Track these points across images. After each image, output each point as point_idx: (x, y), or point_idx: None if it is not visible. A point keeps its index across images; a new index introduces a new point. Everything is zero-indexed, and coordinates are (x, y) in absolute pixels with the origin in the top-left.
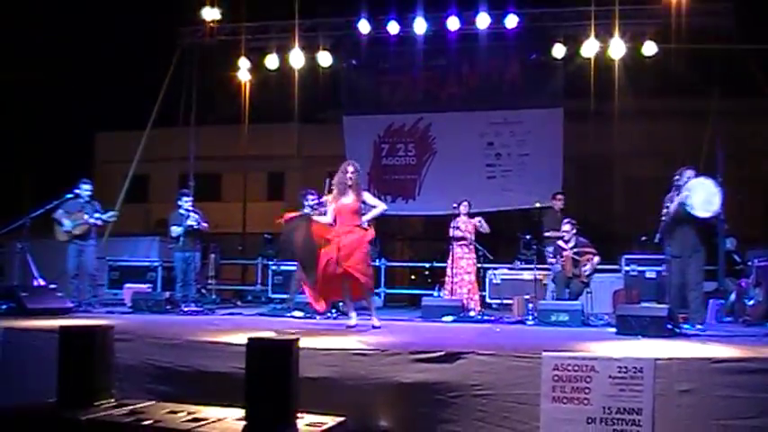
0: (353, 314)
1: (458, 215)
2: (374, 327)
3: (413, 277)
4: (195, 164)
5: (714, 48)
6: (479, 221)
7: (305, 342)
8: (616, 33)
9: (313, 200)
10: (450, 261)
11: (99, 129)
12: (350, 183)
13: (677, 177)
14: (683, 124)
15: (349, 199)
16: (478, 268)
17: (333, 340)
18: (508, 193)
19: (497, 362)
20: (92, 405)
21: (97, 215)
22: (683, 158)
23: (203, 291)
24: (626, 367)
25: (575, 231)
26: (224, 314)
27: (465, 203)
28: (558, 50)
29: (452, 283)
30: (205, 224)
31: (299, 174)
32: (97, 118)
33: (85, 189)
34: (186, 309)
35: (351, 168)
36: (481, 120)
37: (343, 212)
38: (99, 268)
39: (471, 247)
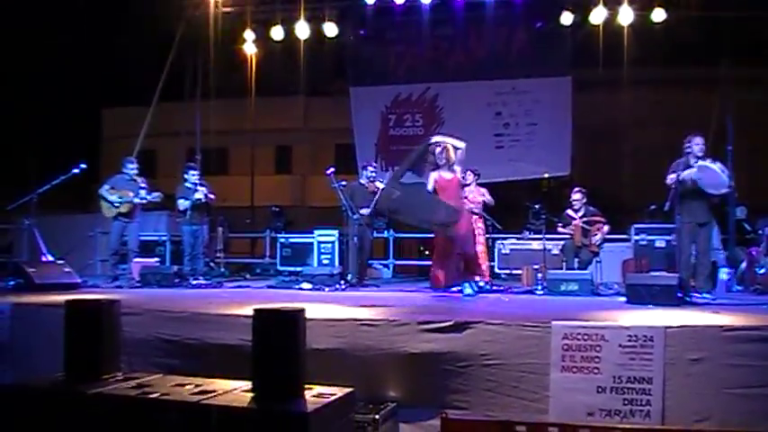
0: None
1: (467, 184)
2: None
3: (422, 248)
4: (202, 138)
5: (724, 15)
6: (484, 193)
7: (312, 313)
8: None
9: (372, 171)
10: None
11: (105, 104)
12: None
13: (687, 144)
14: (692, 92)
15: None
16: (487, 238)
17: (340, 311)
18: (517, 162)
19: (506, 331)
20: (99, 379)
21: (143, 193)
22: (692, 127)
23: (211, 264)
24: (636, 336)
25: (584, 200)
26: (232, 287)
27: (469, 173)
28: (566, 18)
29: None
30: (212, 196)
31: (306, 146)
32: (103, 93)
33: (131, 168)
34: (194, 282)
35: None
36: (489, 89)
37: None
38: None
39: (479, 216)
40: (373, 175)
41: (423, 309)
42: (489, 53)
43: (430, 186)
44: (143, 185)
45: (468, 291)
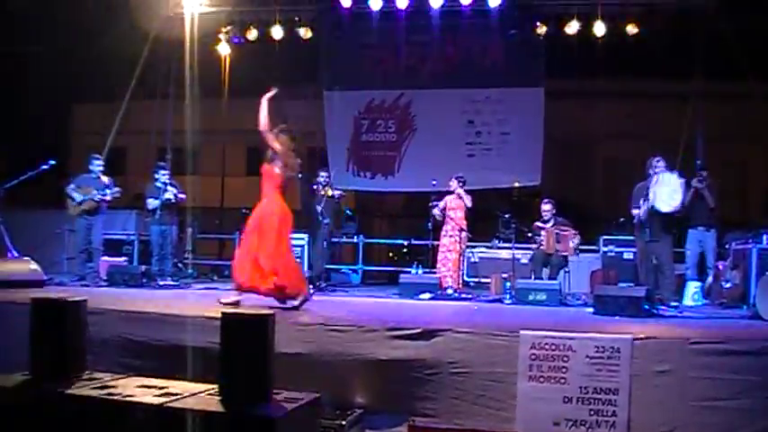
0: None
1: (450, 192)
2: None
3: (390, 254)
4: (173, 137)
5: (696, 29)
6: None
7: (281, 317)
8: (599, 12)
9: (324, 177)
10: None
11: (76, 100)
12: None
13: (649, 165)
14: (664, 106)
15: None
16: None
17: (309, 316)
18: (488, 171)
19: (474, 340)
20: (63, 379)
21: (103, 192)
22: (663, 141)
23: (180, 265)
24: (603, 347)
25: (554, 211)
26: (200, 288)
27: (454, 180)
28: (541, 29)
29: (438, 261)
30: (182, 196)
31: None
32: (73, 89)
33: (96, 164)
34: (162, 283)
35: None
36: (462, 97)
37: None
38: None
39: (456, 225)
40: (325, 180)
41: (391, 315)
42: (464, 61)
43: None
44: (107, 183)
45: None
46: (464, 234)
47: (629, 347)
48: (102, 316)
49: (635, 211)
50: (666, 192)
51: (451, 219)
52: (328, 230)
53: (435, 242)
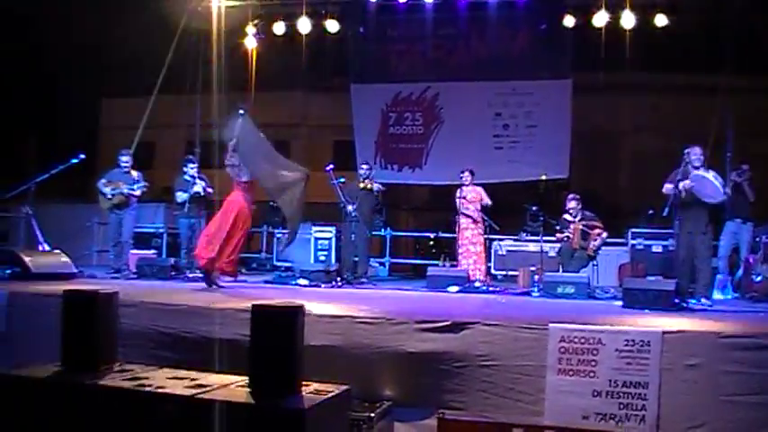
0: None
1: (465, 185)
2: None
3: (417, 247)
4: (201, 131)
5: (726, 22)
6: (481, 193)
7: (309, 310)
8: (628, 3)
9: (366, 170)
10: (459, 233)
11: (105, 94)
12: None
13: (685, 154)
14: (692, 99)
15: None
16: (485, 239)
17: (338, 308)
18: (515, 164)
19: (503, 333)
20: (95, 370)
21: (131, 187)
22: (691, 134)
23: None
24: (633, 340)
25: (580, 207)
26: (228, 281)
27: (467, 173)
28: (569, 20)
29: (459, 253)
30: (210, 190)
31: (304, 142)
32: (103, 84)
33: (123, 160)
34: (191, 275)
35: None
36: (489, 90)
37: None
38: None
39: (476, 217)
40: (366, 172)
41: (419, 308)
42: (491, 54)
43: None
44: (136, 178)
45: None
46: (481, 224)
47: (659, 341)
48: (134, 308)
49: (668, 186)
50: (707, 184)
51: (469, 211)
52: (364, 223)
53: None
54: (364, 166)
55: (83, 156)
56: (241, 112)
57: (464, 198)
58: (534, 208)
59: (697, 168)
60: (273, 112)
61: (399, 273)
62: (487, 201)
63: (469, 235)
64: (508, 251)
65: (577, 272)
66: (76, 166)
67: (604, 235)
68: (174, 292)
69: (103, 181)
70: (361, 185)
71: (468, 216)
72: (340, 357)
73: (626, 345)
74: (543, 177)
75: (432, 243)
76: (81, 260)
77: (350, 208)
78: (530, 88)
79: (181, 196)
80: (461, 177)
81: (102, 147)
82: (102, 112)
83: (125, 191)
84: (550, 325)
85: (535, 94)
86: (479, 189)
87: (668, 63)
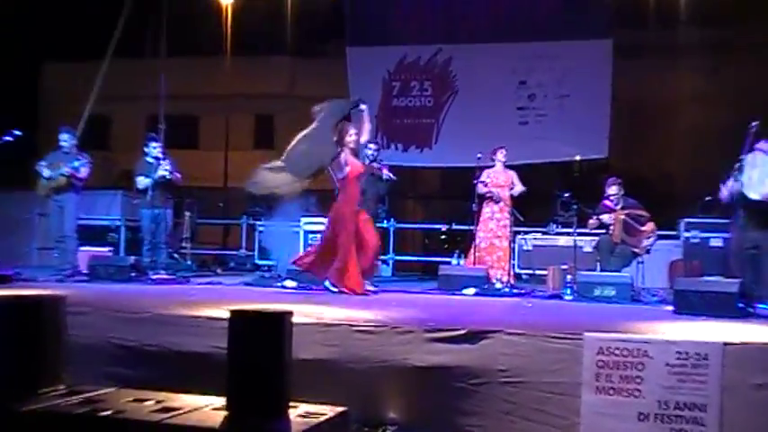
0: None
1: (491, 165)
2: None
3: (427, 242)
4: (167, 103)
5: None
6: (513, 179)
7: (299, 316)
8: None
9: (374, 151)
10: (476, 223)
11: (47, 57)
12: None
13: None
14: (760, 61)
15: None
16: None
17: (332, 314)
18: (543, 142)
19: (529, 343)
20: (36, 393)
21: (72, 165)
22: (759, 104)
23: (176, 255)
24: (687, 353)
25: (622, 193)
26: (201, 283)
27: (502, 151)
28: None
29: (477, 248)
30: (178, 175)
31: (291, 116)
32: (45, 44)
33: (63, 139)
34: (155, 276)
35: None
36: (512, 53)
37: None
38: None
39: (505, 205)
40: (374, 154)
41: (429, 314)
42: (514, 10)
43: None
44: (79, 156)
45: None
46: (508, 215)
47: (719, 354)
48: (85, 317)
49: (723, 189)
50: (757, 175)
51: (498, 197)
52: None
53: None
54: (372, 146)
55: (18, 133)
56: (362, 107)
57: (492, 182)
58: (566, 195)
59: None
60: (254, 82)
61: (405, 272)
62: (521, 187)
63: (494, 227)
64: (535, 246)
65: (619, 271)
66: (12, 146)
67: (653, 227)
68: (134, 296)
69: (44, 163)
70: (368, 170)
71: (495, 203)
72: (335, 373)
73: (678, 358)
74: (577, 158)
75: (444, 237)
76: (19, 259)
77: None
78: (561, 50)
79: (142, 182)
80: (493, 156)
81: (43, 121)
82: (44, 78)
83: (65, 171)
84: (586, 334)
85: (567, 58)
86: (512, 173)
87: (730, 19)
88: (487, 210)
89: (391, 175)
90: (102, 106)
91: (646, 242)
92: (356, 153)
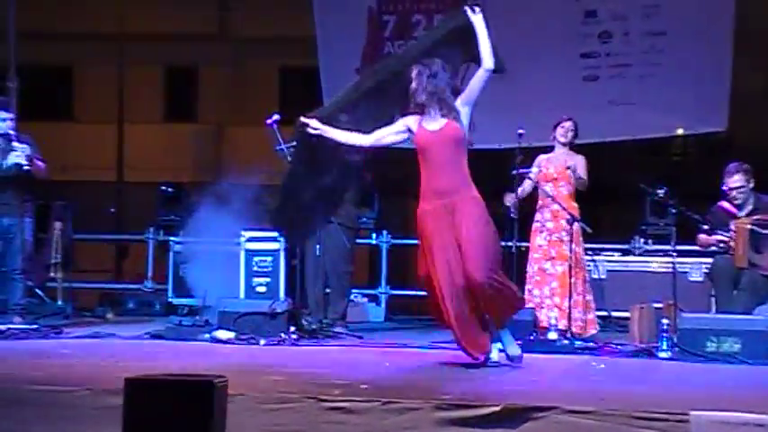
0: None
1: (543, 147)
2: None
3: None
4: (20, 46)
5: None
6: (577, 168)
7: (237, 385)
8: None
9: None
10: (514, 239)
11: None
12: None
13: None
14: None
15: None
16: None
17: (292, 382)
18: (623, 108)
19: (602, 427)
20: None
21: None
22: None
23: (39, 292)
24: None
25: (750, 185)
26: (80, 335)
27: (565, 125)
28: None
29: (528, 278)
30: (41, 164)
31: (224, 71)
32: None
33: None
34: (4, 326)
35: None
36: None
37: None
38: None
39: (563, 211)
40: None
41: (443, 379)
42: None
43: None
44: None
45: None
46: (577, 226)
47: None
48: None
49: None
50: None
51: (551, 200)
52: (342, 224)
53: (523, 244)
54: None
55: None
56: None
57: (543, 173)
58: (661, 192)
59: None
60: (171, 19)
61: (405, 315)
62: (582, 177)
63: (545, 242)
64: (611, 274)
65: (748, 312)
66: None
67: None
68: None
69: None
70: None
71: (546, 209)
72: None
73: None
74: (679, 132)
75: None
76: None
77: None
78: None
79: None
80: (553, 131)
81: None
82: None
83: None
84: (692, 413)
85: None
86: (579, 158)
87: None
88: (537, 216)
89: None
90: None
91: None
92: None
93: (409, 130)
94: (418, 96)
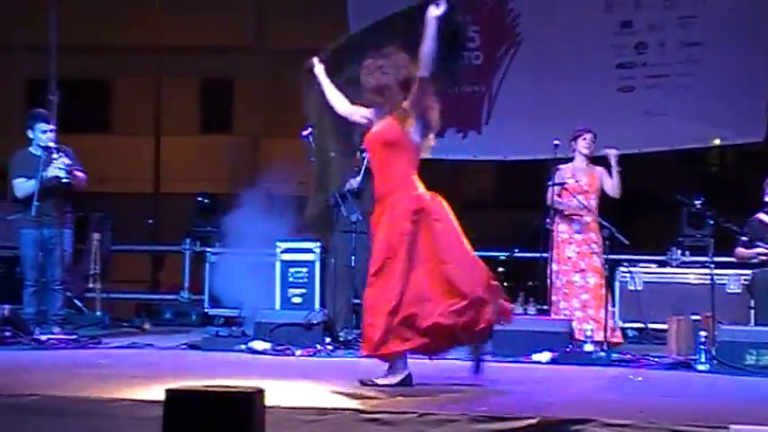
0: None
1: (569, 159)
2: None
3: None
4: (60, 61)
5: None
6: (602, 177)
7: (275, 397)
8: None
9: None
10: (552, 251)
11: None
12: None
13: None
14: None
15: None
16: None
17: (327, 394)
18: (659, 119)
19: None
20: None
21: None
22: None
23: (78, 302)
24: None
25: None
26: (118, 346)
27: (587, 136)
28: None
29: (553, 289)
30: (82, 175)
31: (259, 82)
32: None
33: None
34: (44, 337)
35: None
36: None
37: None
38: None
39: (591, 221)
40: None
41: (478, 393)
42: None
43: None
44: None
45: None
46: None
47: None
48: None
49: None
50: None
51: (586, 211)
52: (360, 232)
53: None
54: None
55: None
56: None
57: (572, 184)
58: (698, 203)
59: None
60: (207, 31)
61: None
62: (615, 188)
63: (574, 255)
64: (647, 285)
65: None
66: None
67: None
68: (8, 370)
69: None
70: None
71: (577, 220)
72: None
73: None
74: (716, 142)
75: (501, 270)
76: None
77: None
78: None
79: (22, 186)
80: (574, 143)
81: None
82: None
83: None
84: (732, 427)
85: None
86: (601, 170)
87: None
88: (563, 228)
89: None
90: None
91: None
92: None
93: (369, 122)
94: (366, 94)
